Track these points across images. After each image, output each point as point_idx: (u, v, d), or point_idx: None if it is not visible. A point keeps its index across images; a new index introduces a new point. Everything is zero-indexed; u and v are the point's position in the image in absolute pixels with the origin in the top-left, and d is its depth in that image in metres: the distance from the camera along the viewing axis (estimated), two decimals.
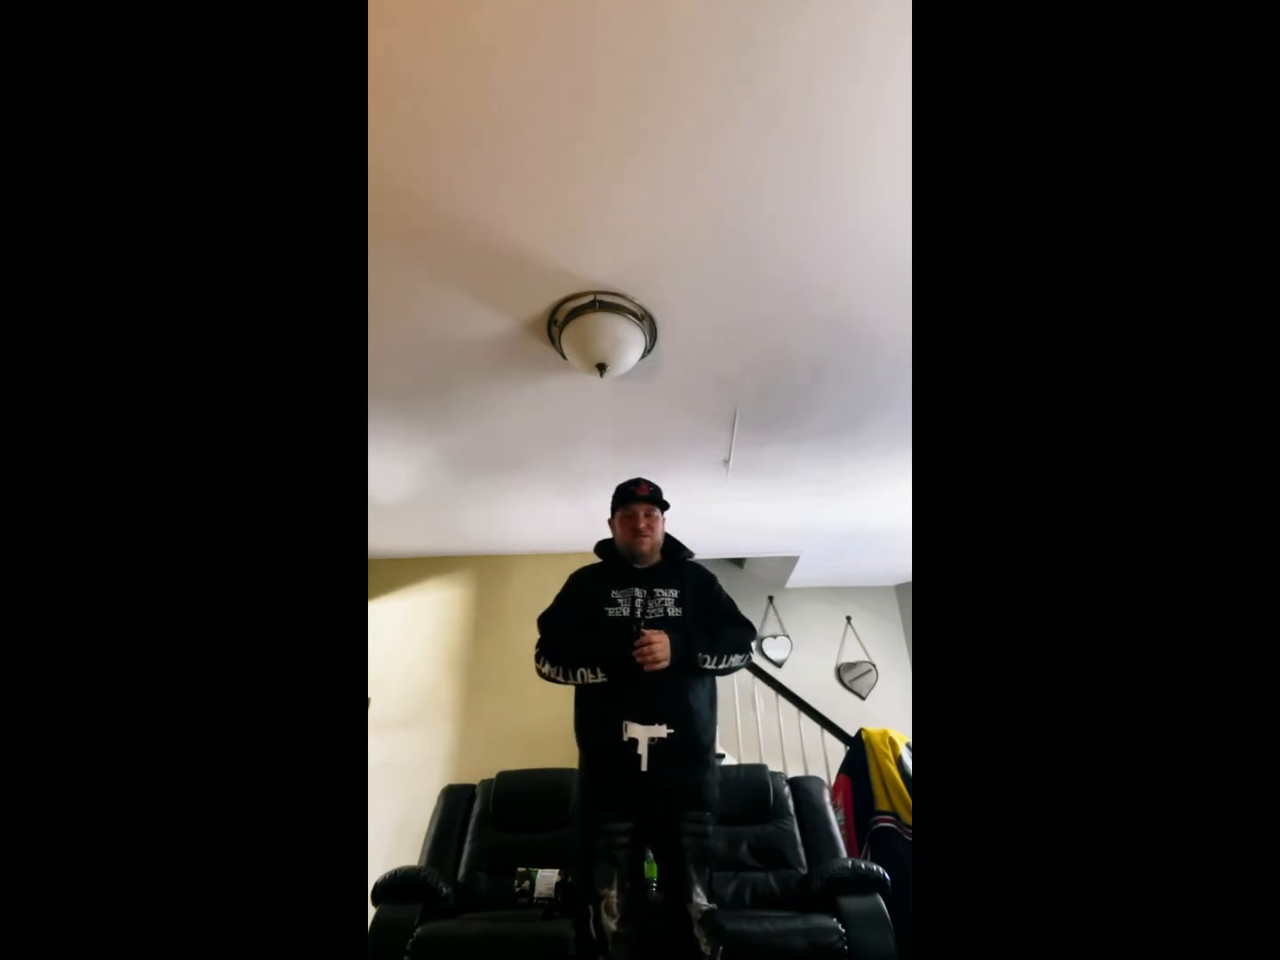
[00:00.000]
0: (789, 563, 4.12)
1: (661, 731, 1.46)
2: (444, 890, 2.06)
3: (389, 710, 3.27)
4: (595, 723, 1.54)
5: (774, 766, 2.72)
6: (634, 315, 1.75)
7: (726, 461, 2.66)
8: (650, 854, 1.57)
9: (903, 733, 2.74)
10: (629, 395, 2.19)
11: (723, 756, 3.14)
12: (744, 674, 3.33)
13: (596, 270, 1.64)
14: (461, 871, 2.38)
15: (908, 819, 2.45)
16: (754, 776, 2.57)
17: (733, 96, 1.22)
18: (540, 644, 1.64)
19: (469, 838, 2.49)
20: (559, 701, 1.86)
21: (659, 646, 1.48)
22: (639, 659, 1.46)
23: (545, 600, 1.73)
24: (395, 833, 2.93)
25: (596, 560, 1.81)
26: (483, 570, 3.66)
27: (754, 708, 3.35)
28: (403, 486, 2.84)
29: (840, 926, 1.85)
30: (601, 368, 1.80)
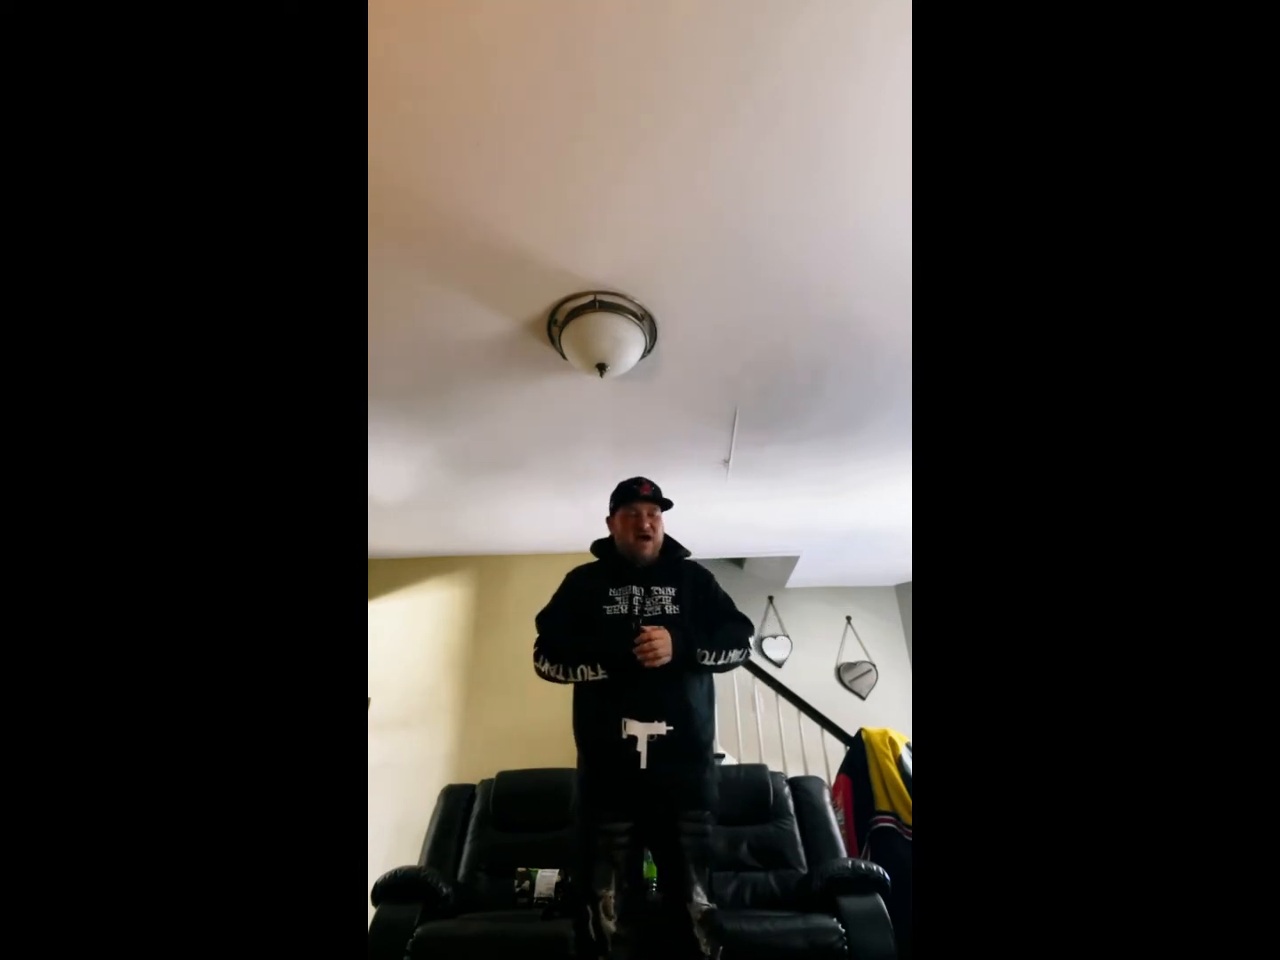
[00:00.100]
0: (789, 563, 4.12)
1: (661, 728, 1.46)
2: (444, 890, 2.06)
3: (389, 710, 3.27)
4: (594, 720, 1.54)
5: (774, 766, 2.72)
6: (634, 315, 1.75)
7: (726, 461, 2.66)
8: (649, 854, 1.57)
9: (903, 733, 2.74)
10: (629, 395, 2.19)
11: (722, 756, 3.14)
12: (744, 674, 3.34)
13: (596, 270, 1.64)
14: (461, 871, 2.38)
15: (908, 819, 2.45)
16: (754, 776, 2.57)
17: (733, 96, 1.22)
18: (539, 643, 1.64)
19: (469, 838, 2.49)
20: (559, 701, 1.86)
21: (660, 642, 1.48)
22: (640, 655, 1.46)
23: (545, 600, 1.73)
24: (395, 833, 2.93)
25: (593, 559, 1.81)
26: (483, 570, 3.67)
27: (754, 708, 3.35)
28: (403, 486, 2.84)
29: (840, 926, 1.85)
30: (601, 368, 1.80)
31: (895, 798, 2.52)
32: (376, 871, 2.13)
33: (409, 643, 3.48)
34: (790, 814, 2.49)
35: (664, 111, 1.25)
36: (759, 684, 3.40)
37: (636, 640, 1.48)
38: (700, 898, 1.42)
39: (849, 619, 4.62)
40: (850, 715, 3.65)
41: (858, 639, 4.56)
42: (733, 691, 3.33)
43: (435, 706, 3.30)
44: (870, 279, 1.68)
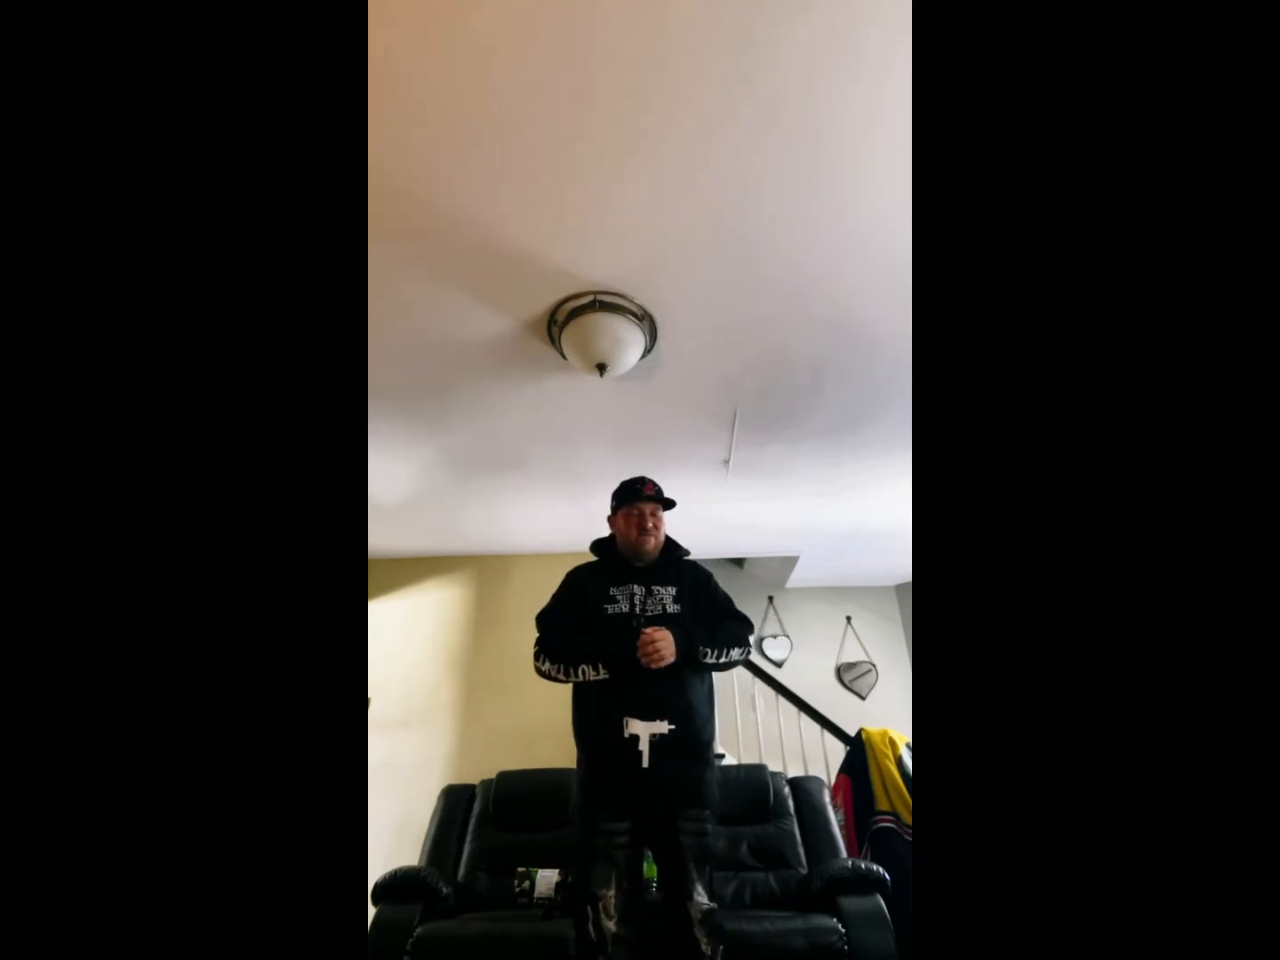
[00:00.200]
0: (789, 563, 4.12)
1: (663, 727, 1.46)
2: (444, 890, 2.06)
3: (389, 710, 3.27)
4: (595, 720, 1.53)
5: (774, 766, 2.72)
6: (634, 315, 1.75)
7: (726, 461, 2.66)
8: (649, 854, 1.57)
9: (903, 733, 2.74)
10: (629, 395, 2.19)
11: (722, 756, 3.14)
12: (744, 674, 3.34)
13: (596, 270, 1.64)
14: (461, 871, 2.38)
15: (908, 819, 2.45)
16: (754, 776, 2.56)
17: (733, 96, 1.22)
18: (539, 642, 1.64)
19: (469, 838, 2.49)
20: (559, 701, 1.86)
21: (663, 643, 1.48)
22: (643, 658, 1.47)
23: (545, 600, 1.73)
24: (395, 833, 2.93)
25: (593, 559, 1.81)
26: (483, 570, 3.66)
27: (754, 708, 3.35)
28: (403, 486, 2.84)
29: (840, 926, 1.85)
30: (601, 368, 1.80)
31: (895, 798, 2.52)
32: (376, 871, 2.12)
33: (409, 643, 3.48)
34: (790, 814, 2.49)
35: (664, 111, 1.25)
36: (759, 684, 3.40)
37: (640, 642, 1.48)
38: (701, 897, 1.42)
39: (849, 619, 4.62)
40: (850, 715, 3.64)
41: (858, 639, 4.56)
42: (733, 691, 3.32)
43: (435, 706, 3.30)
44: (870, 279, 1.68)
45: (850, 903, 1.91)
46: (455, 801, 2.61)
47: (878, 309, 1.79)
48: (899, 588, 4.73)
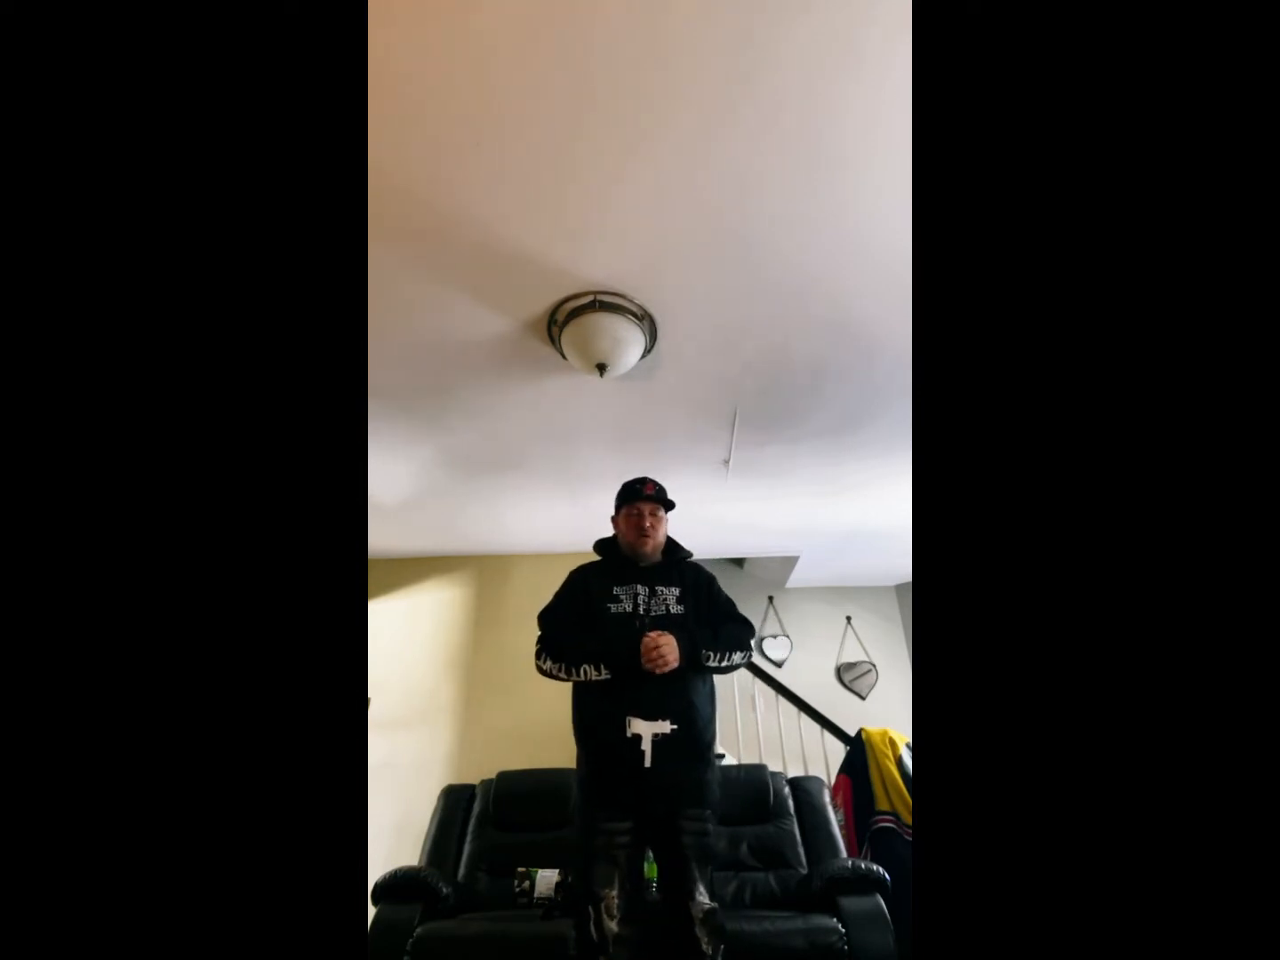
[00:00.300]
0: (789, 563, 4.12)
1: (665, 727, 1.46)
2: (444, 890, 2.06)
3: (389, 710, 3.27)
4: (597, 719, 1.53)
5: (774, 766, 2.72)
6: (634, 315, 1.75)
7: (726, 461, 2.66)
8: (650, 854, 1.57)
9: (903, 733, 2.74)
10: (629, 395, 2.19)
11: (722, 756, 3.14)
12: (744, 674, 3.34)
13: (596, 270, 1.64)
14: (461, 871, 2.38)
15: (908, 819, 2.45)
16: (754, 776, 2.56)
17: (733, 96, 1.22)
18: (541, 640, 1.63)
19: (469, 838, 2.49)
20: (559, 701, 1.85)
21: (667, 649, 1.48)
22: (648, 664, 1.47)
23: (545, 600, 1.73)
24: (395, 833, 2.93)
25: (595, 558, 1.81)
26: (483, 570, 3.66)
27: (754, 708, 3.35)
28: (403, 486, 2.84)
29: (840, 926, 1.85)
30: (601, 368, 1.80)
31: (895, 798, 2.52)
32: (376, 871, 2.12)
33: (409, 643, 3.48)
34: (790, 814, 2.49)
35: (664, 111, 1.25)
36: (759, 684, 3.40)
37: (644, 647, 1.48)
38: (702, 897, 1.42)
39: (849, 619, 4.62)
40: (850, 715, 3.64)
41: (858, 639, 4.56)
42: (733, 692, 3.32)
43: (435, 706, 3.30)
44: (870, 279, 1.68)
45: (850, 903, 1.91)
46: (455, 801, 2.61)
47: (878, 309, 1.79)
48: (899, 588, 4.73)
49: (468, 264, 1.60)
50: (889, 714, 3.88)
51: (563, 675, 1.57)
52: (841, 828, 2.51)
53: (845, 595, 4.69)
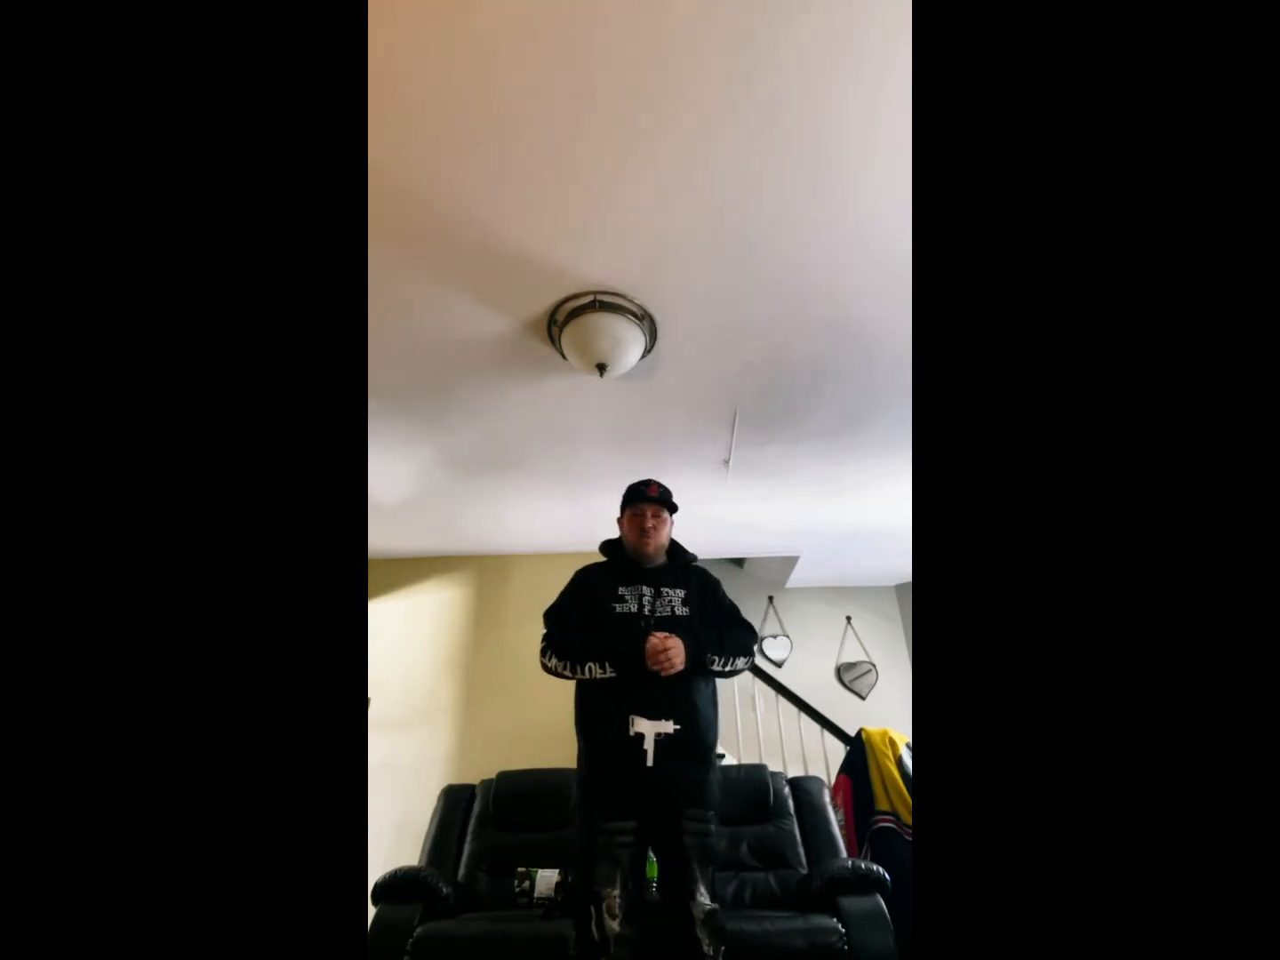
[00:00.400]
0: (789, 563, 4.12)
1: (668, 727, 1.47)
2: (444, 890, 2.06)
3: (389, 710, 3.27)
4: (600, 718, 1.54)
5: (774, 766, 2.72)
6: (634, 315, 1.75)
7: (726, 461, 2.66)
8: (650, 854, 1.57)
9: (903, 733, 2.74)
10: (629, 395, 2.19)
11: (723, 756, 3.14)
12: (744, 674, 3.33)
13: (596, 270, 1.64)
14: (461, 871, 2.38)
15: (908, 819, 2.45)
16: (754, 776, 2.56)
17: (733, 96, 1.22)
18: (546, 638, 1.64)
19: (469, 838, 2.49)
20: (559, 701, 1.86)
21: (674, 652, 1.49)
22: (654, 665, 1.47)
23: (545, 600, 1.74)
24: (395, 833, 2.93)
25: (601, 559, 1.82)
26: (483, 570, 3.66)
27: (754, 708, 3.35)
28: (403, 486, 2.84)
29: (840, 926, 1.85)
30: (601, 368, 1.80)
31: (895, 798, 2.52)
32: (376, 871, 2.12)
33: (409, 643, 3.48)
34: (790, 814, 2.49)
35: (664, 111, 1.25)
36: (759, 684, 3.40)
37: (649, 649, 1.49)
38: (703, 897, 1.42)
39: (849, 619, 4.62)
40: (850, 715, 3.64)
41: (858, 639, 4.56)
42: (733, 692, 3.31)
43: (435, 706, 3.30)
44: (870, 279, 1.68)
45: (850, 903, 1.91)
46: (455, 801, 2.61)
47: (878, 309, 1.79)
48: (899, 588, 4.73)
49: (468, 264, 1.60)
50: (889, 714, 3.88)
51: (568, 673, 1.58)
52: (841, 828, 2.51)
53: (845, 595, 4.69)
